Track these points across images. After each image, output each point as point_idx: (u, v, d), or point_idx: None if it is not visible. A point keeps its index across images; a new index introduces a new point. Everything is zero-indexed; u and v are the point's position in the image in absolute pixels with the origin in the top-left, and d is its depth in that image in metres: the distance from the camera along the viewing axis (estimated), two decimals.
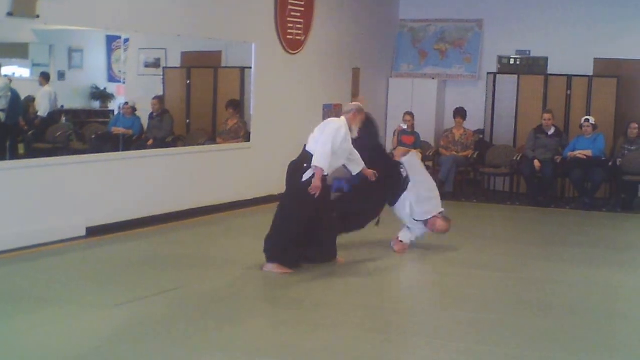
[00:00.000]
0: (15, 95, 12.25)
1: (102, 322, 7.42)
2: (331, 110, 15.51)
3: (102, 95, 13.82)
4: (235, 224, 12.64)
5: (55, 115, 12.84)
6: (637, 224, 13.89)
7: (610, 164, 14.95)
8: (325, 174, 9.30)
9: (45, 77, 12.70)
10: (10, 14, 9.76)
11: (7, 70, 12.54)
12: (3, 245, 9.75)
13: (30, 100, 12.69)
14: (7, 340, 6.95)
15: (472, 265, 10.24)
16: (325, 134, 9.26)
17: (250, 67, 14.01)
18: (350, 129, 9.51)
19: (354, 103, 9.97)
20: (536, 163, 14.96)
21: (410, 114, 16.25)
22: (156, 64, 14.09)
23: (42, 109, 12.72)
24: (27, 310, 7.72)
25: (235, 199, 13.51)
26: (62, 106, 13.10)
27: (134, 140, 13.02)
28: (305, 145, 9.44)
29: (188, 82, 14.42)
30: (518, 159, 15.61)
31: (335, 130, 9.30)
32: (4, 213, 9.90)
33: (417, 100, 17.61)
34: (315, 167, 9.14)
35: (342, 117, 9.56)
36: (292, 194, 9.46)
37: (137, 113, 13.31)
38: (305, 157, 9.30)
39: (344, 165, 9.79)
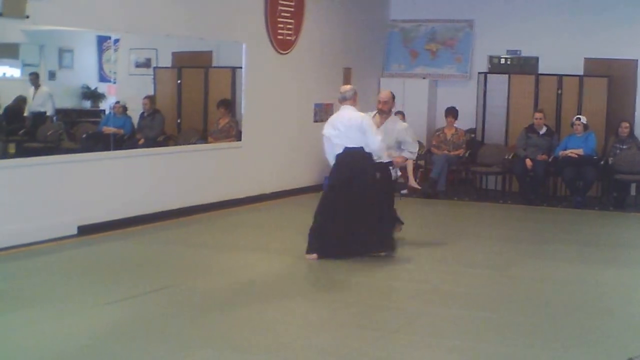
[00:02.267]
0: None
1: (93, 320, 7.42)
2: (322, 109, 15.56)
3: (93, 95, 13.85)
4: (227, 222, 12.65)
5: (40, 115, 12.87)
6: (628, 222, 13.96)
7: (602, 162, 15.03)
8: None
9: (37, 77, 12.74)
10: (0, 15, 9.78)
11: None
12: None
13: (22, 99, 12.70)
14: None
15: (464, 263, 10.28)
16: (373, 133, 9.95)
17: (241, 67, 14.06)
18: None
19: (348, 87, 10.35)
20: (528, 162, 15.00)
21: (401, 113, 16.28)
22: (147, 63, 14.15)
23: (49, 109, 12.79)
24: (17, 309, 7.73)
25: (226, 198, 13.51)
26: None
27: (125, 140, 13.07)
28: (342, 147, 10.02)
29: (179, 81, 14.49)
30: (510, 157, 15.66)
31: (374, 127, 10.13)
32: None
33: (408, 100, 17.60)
34: None
35: (351, 107, 10.10)
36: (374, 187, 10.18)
37: (128, 112, 13.37)
38: (366, 156, 10.04)
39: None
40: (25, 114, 12.78)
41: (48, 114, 12.77)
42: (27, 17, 10.07)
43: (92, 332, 7.04)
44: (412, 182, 15.66)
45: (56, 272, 9.23)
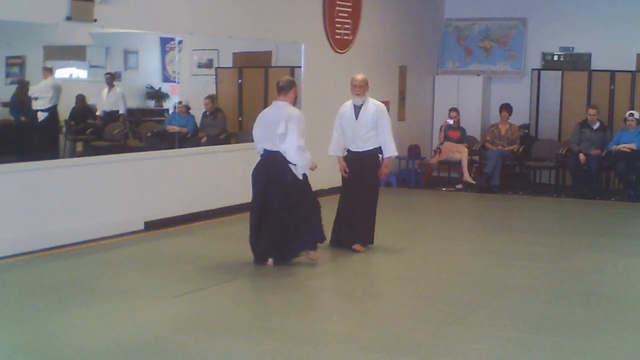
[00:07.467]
0: None
1: (161, 313, 7.64)
2: None
3: (157, 95, 14.08)
4: None
5: (112, 114, 13.18)
6: None
7: None
8: None
9: (112, 78, 13.02)
10: (69, 18, 10.16)
11: (66, 71, 12.89)
12: (65, 239, 10.12)
13: (81, 98, 12.94)
14: (69, 331, 7.17)
15: (519, 256, 10.29)
16: (388, 122, 10.31)
17: (300, 67, 14.31)
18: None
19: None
20: (581, 156, 15.15)
21: (456, 110, 16.54)
22: (209, 64, 14.40)
23: (122, 108, 13.10)
24: (87, 302, 7.93)
25: None
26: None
27: (189, 138, 13.28)
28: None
29: (240, 81, 14.73)
30: (563, 152, 15.82)
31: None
32: (65, 208, 10.27)
33: (462, 97, 17.82)
34: (394, 156, 10.44)
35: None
36: (375, 183, 10.46)
37: (191, 112, 13.60)
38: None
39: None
40: (98, 112, 13.10)
41: (120, 112, 13.11)
42: (95, 20, 10.45)
43: (160, 325, 7.23)
44: (467, 177, 15.96)
45: (124, 266, 9.42)
